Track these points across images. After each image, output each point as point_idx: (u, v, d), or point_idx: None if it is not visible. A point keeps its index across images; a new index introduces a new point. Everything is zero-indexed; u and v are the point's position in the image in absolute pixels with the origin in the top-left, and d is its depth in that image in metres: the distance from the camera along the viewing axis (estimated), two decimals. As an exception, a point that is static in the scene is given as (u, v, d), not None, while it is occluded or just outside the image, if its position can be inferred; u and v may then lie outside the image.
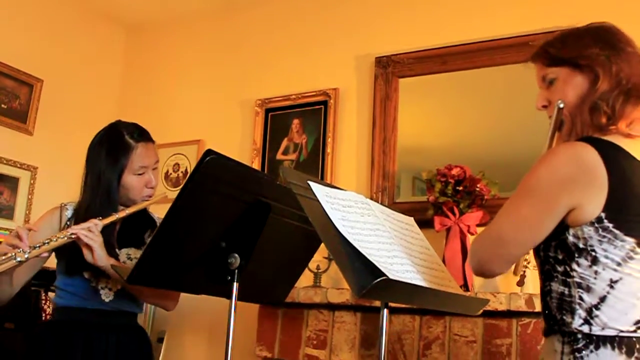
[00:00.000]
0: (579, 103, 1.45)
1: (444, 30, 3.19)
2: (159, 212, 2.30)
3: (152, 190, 2.14)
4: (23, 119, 3.66)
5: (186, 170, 3.84)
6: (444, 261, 2.59)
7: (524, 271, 2.55)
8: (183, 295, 2.10)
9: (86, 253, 1.92)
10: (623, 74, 1.42)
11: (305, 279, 2.86)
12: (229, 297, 1.59)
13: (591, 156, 1.34)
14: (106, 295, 2.05)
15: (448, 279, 1.73)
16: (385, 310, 1.80)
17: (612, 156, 1.36)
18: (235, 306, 1.58)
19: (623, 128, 1.41)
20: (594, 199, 1.33)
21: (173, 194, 3.73)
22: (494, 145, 3.02)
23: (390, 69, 3.26)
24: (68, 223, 2.07)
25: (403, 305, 2.56)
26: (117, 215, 2.01)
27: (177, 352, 3.50)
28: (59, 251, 1.97)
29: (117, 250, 2.06)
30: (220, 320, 3.27)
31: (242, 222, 1.61)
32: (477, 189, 2.70)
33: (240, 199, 1.61)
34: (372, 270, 1.34)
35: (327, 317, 2.86)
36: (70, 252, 1.97)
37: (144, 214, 2.18)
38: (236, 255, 1.58)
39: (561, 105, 1.47)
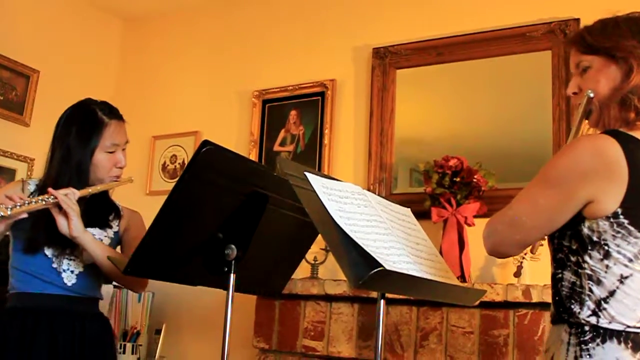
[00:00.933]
0: (609, 94, 1.43)
1: (442, 21, 3.18)
2: (123, 202, 2.27)
3: (121, 170, 2.11)
4: (19, 110, 3.65)
5: (183, 161, 3.84)
6: (441, 252, 2.59)
7: (521, 262, 2.55)
8: (180, 286, 2.09)
9: (61, 222, 1.87)
10: None
11: (303, 270, 2.86)
12: (226, 288, 1.59)
13: (614, 150, 1.33)
14: (68, 278, 1.99)
15: (445, 269, 1.73)
16: (382, 302, 1.81)
17: (635, 152, 1.34)
18: (232, 297, 1.58)
19: None
20: (612, 194, 1.32)
21: (170, 185, 3.74)
22: (491, 136, 3.01)
23: (387, 60, 3.25)
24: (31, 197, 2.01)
25: (400, 297, 2.56)
26: (90, 190, 1.97)
27: (175, 344, 3.50)
28: (18, 229, 1.91)
29: None
30: (218, 311, 3.27)
31: (239, 213, 1.61)
32: (474, 180, 2.70)
33: (237, 190, 1.61)
34: (369, 261, 1.34)
35: (324, 309, 2.86)
36: (32, 227, 1.91)
37: (106, 198, 2.15)
38: (233, 246, 1.59)
39: (591, 95, 1.45)
